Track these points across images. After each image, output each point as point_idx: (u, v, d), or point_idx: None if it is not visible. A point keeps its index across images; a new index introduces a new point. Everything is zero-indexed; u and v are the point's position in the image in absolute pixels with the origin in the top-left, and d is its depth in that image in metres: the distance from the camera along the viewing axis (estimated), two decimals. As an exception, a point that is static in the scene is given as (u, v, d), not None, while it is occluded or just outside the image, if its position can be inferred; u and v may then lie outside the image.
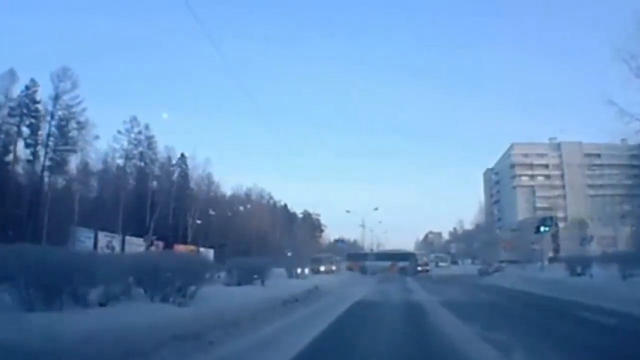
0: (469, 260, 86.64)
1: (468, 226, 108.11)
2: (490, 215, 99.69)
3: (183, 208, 58.77)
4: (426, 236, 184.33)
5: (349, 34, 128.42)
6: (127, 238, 47.51)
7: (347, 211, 64.77)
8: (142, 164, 56.05)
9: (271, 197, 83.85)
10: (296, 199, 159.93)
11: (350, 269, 48.29)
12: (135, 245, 46.66)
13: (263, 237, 73.42)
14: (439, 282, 31.02)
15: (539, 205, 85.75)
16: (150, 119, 61.48)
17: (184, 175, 61.46)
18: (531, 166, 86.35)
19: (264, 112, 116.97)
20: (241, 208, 71.73)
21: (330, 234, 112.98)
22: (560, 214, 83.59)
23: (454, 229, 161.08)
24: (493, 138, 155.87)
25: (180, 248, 51.94)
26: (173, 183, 59.22)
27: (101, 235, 42.77)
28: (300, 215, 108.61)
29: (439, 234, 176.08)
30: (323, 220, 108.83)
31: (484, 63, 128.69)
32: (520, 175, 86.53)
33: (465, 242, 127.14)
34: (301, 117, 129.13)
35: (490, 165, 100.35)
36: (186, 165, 61.45)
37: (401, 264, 49.40)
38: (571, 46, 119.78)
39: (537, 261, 37.86)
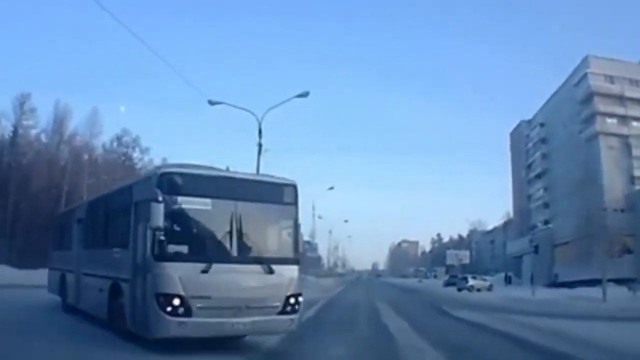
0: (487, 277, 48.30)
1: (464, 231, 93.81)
2: (524, 200, 60.75)
3: None
4: (399, 245, 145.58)
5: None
6: None
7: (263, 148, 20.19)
8: None
9: (137, 145, 42.92)
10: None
11: None
12: None
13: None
14: None
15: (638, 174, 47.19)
16: None
17: None
18: (621, 100, 47.59)
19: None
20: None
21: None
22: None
23: (438, 235, 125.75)
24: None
25: None
26: None
27: None
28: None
29: (416, 243, 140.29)
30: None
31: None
32: (604, 115, 47.23)
33: (477, 248, 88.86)
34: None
35: (527, 117, 61.66)
36: None
37: None
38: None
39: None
